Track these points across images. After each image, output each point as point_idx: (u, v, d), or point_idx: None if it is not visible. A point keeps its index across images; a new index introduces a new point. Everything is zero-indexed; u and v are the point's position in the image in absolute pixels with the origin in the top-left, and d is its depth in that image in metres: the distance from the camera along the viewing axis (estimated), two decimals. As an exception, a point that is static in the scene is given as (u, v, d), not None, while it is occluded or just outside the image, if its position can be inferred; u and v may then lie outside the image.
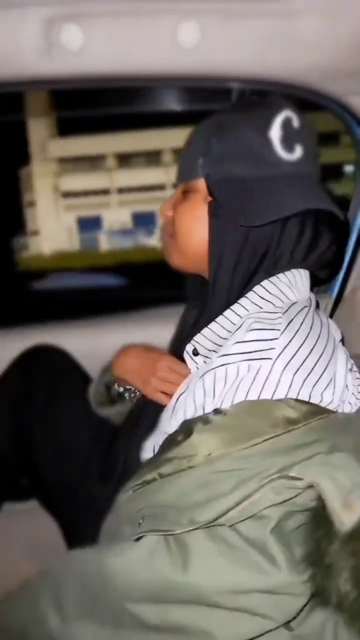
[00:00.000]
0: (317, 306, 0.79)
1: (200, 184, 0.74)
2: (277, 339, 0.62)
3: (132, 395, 0.93)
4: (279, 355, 0.61)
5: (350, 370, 0.69)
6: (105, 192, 29.73)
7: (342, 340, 0.75)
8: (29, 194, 28.27)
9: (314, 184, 0.74)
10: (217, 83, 1.07)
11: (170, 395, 0.77)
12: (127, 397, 0.93)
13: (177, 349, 0.81)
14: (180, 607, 0.54)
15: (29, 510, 1.11)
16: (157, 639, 0.56)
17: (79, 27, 0.86)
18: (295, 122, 0.73)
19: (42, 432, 0.96)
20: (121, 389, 0.93)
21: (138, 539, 0.57)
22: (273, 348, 0.62)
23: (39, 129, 25.97)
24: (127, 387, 0.93)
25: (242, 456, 0.55)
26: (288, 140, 0.71)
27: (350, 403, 0.67)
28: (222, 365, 0.64)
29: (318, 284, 0.82)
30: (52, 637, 0.58)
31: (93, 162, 29.14)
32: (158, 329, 1.02)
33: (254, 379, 0.60)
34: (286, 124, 0.71)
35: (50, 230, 27.84)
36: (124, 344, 1.06)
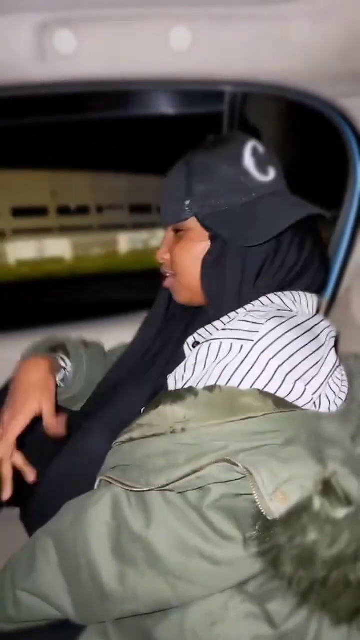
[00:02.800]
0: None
1: (192, 222, 0.79)
2: (262, 324, 0.66)
3: None
4: (261, 338, 0.65)
5: (335, 367, 0.71)
6: None
7: (336, 342, 0.76)
8: None
9: (292, 197, 0.80)
10: (209, 86, 1.08)
11: None
12: None
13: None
14: (137, 570, 0.59)
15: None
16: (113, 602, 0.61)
17: (72, 32, 0.86)
18: (260, 149, 0.79)
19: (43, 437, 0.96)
20: None
21: (105, 483, 0.65)
22: (257, 331, 0.65)
23: None
24: None
25: (203, 434, 0.60)
26: (261, 165, 0.78)
27: (328, 398, 0.69)
28: (208, 341, 0.69)
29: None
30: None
31: None
32: None
33: (234, 357, 0.65)
34: (254, 151, 0.79)
35: None
36: (120, 343, 1.09)
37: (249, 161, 0.77)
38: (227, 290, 0.76)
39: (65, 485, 0.79)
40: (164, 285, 0.86)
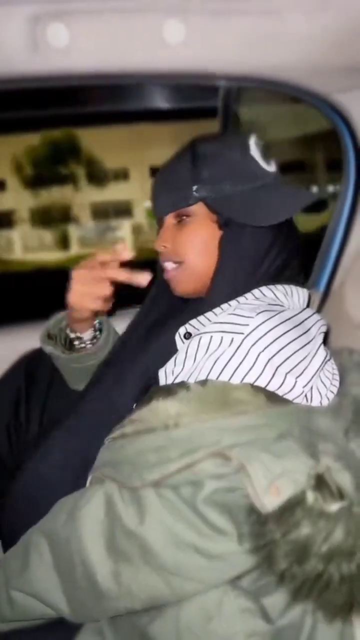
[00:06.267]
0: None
1: (198, 208, 0.79)
2: (252, 317, 0.67)
3: (81, 344, 0.93)
4: (251, 332, 0.65)
5: (326, 361, 0.72)
6: None
7: (326, 336, 0.77)
8: None
9: (295, 186, 0.84)
10: (203, 80, 1.07)
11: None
12: (77, 345, 0.94)
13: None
14: (131, 566, 0.59)
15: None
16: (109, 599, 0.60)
17: (65, 25, 0.85)
18: (259, 142, 0.83)
19: (38, 433, 0.96)
20: (72, 335, 0.94)
21: (98, 480, 0.65)
22: (247, 325, 0.66)
23: None
24: (78, 335, 0.93)
25: (196, 429, 0.60)
26: (265, 156, 0.82)
27: (319, 392, 0.70)
28: (200, 334, 0.69)
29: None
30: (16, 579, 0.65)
31: None
32: None
33: (225, 351, 0.65)
34: (257, 144, 0.82)
35: None
36: None
37: (254, 150, 0.80)
38: (227, 277, 0.77)
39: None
40: (164, 276, 0.85)
